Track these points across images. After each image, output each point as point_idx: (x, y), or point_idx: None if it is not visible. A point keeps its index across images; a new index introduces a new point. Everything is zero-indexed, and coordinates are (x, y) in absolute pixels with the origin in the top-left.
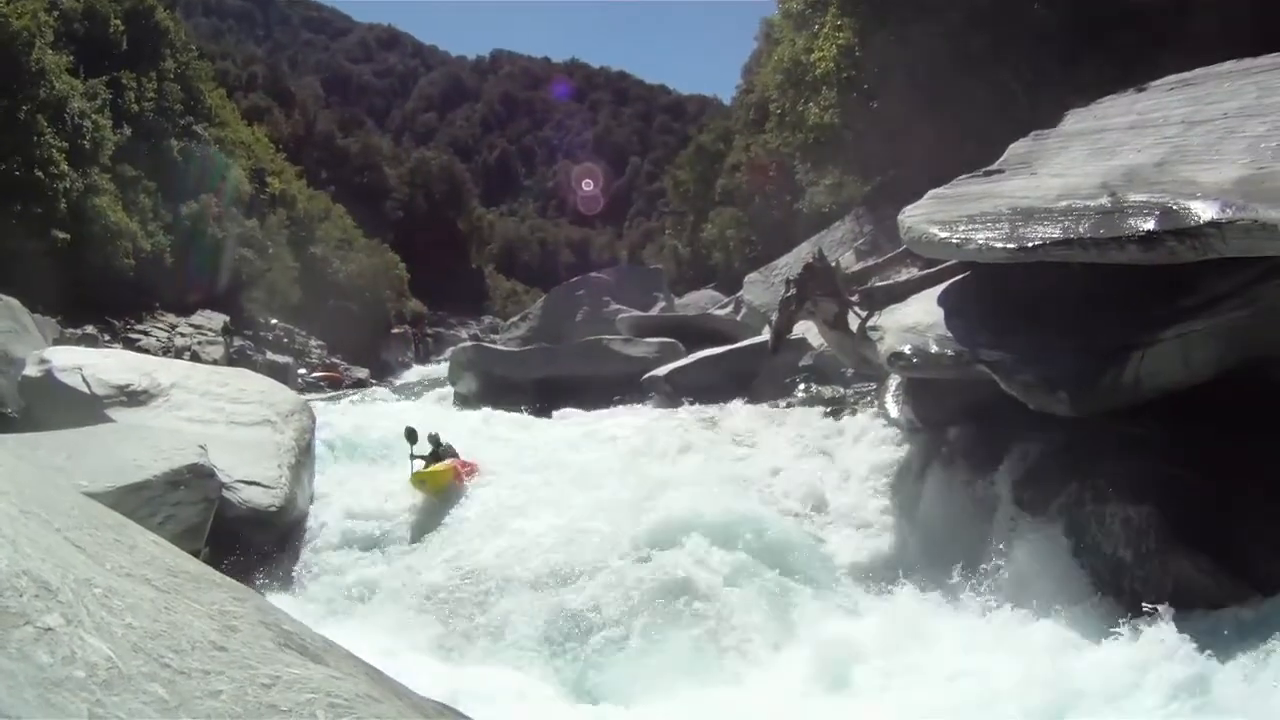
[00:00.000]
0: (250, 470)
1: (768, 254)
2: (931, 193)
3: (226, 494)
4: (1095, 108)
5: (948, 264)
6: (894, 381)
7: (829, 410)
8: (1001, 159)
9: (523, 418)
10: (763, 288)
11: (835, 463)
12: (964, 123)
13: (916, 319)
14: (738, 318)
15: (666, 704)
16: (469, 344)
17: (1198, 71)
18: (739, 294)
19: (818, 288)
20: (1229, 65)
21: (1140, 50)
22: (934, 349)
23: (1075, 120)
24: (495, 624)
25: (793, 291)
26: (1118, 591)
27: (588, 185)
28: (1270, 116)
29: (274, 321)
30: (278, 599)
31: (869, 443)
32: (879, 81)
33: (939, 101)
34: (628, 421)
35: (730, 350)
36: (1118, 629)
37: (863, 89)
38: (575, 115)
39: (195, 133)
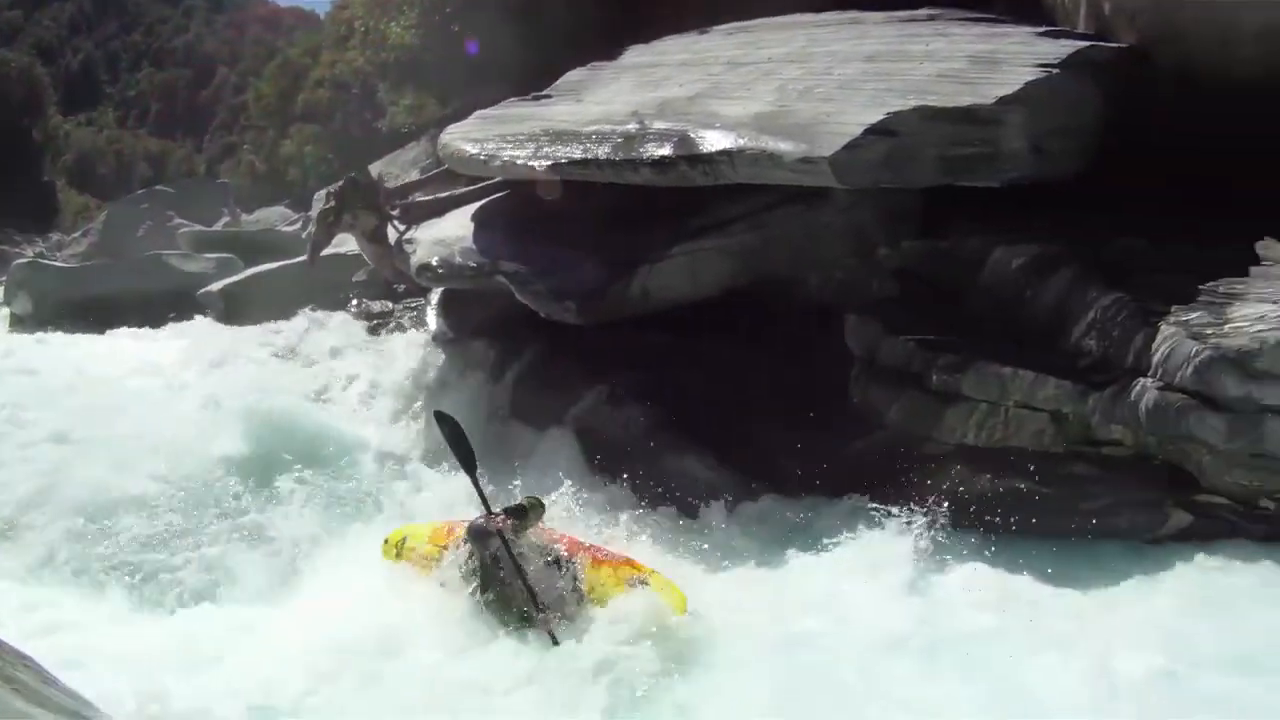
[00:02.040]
0: None
1: (344, 172)
2: (478, 113)
3: None
4: (657, 44)
5: (490, 182)
6: (435, 295)
7: (375, 323)
8: (554, 85)
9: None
10: None
11: (375, 371)
12: (546, 53)
13: (447, 233)
14: (304, 235)
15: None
16: (24, 260)
17: (761, 20)
18: (308, 211)
19: (358, 201)
20: (794, 17)
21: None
22: (458, 261)
23: (635, 54)
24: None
25: (332, 204)
26: (633, 488)
27: None
28: (809, 63)
29: None
30: None
31: (408, 353)
32: (462, 4)
33: (522, 28)
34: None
35: (285, 265)
36: (632, 523)
37: (445, 11)
38: (168, 21)
39: None
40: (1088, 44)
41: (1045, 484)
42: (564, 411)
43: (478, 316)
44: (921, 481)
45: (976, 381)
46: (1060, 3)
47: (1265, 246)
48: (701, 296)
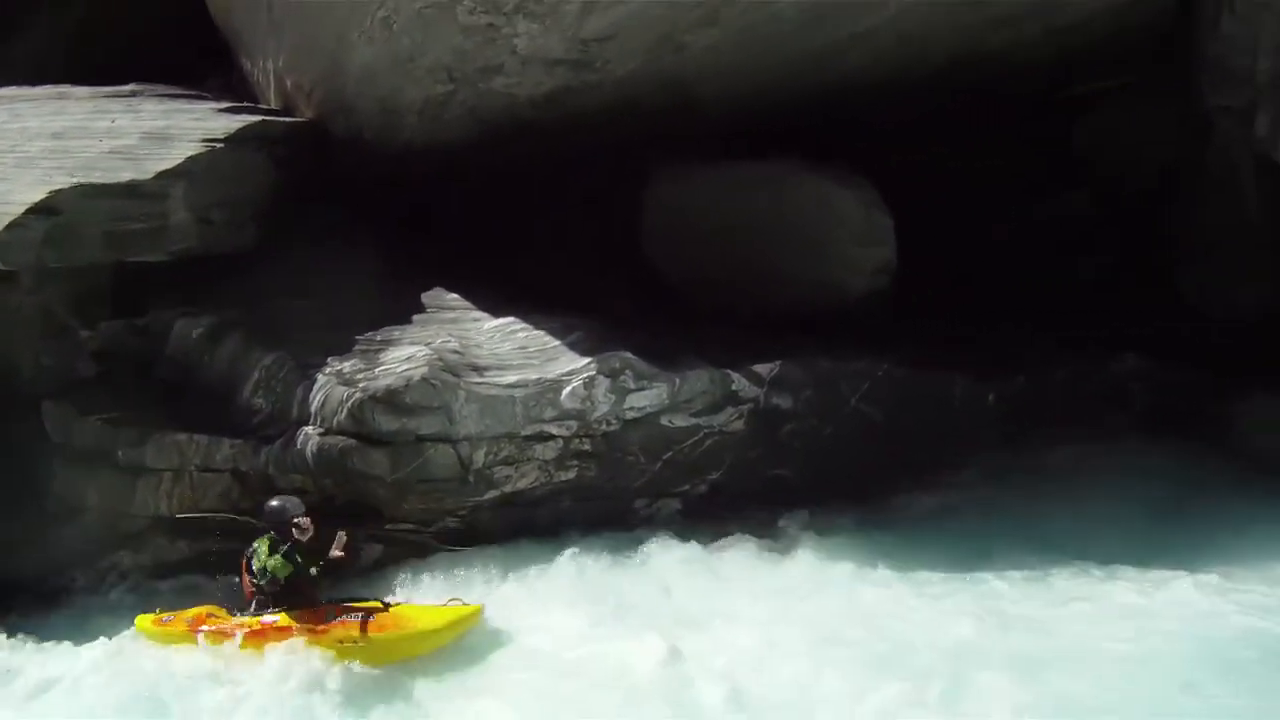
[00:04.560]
0: None
1: None
2: None
3: None
4: None
5: None
6: None
7: None
8: None
9: None
10: None
11: None
12: None
13: None
14: None
15: None
16: None
17: None
18: None
19: None
20: (11, 90)
21: None
22: None
23: None
24: None
25: None
26: None
27: None
28: None
29: None
30: None
31: None
32: None
33: None
34: None
35: None
36: None
37: None
38: None
39: None
40: (259, 119)
41: (236, 541)
42: None
43: None
44: (126, 557)
45: (157, 452)
46: (259, 80)
47: (432, 295)
48: None
